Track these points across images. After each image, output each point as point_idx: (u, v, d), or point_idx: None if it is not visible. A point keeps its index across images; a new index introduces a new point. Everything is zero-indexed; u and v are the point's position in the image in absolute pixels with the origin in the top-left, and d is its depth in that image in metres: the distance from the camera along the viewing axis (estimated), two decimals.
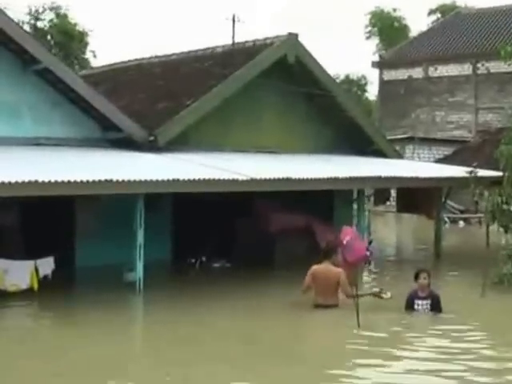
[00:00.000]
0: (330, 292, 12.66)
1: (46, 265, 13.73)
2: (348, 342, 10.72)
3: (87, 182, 12.76)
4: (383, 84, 46.37)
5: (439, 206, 19.85)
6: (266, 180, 14.68)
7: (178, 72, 20.12)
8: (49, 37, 40.30)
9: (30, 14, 40.39)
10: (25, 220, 16.36)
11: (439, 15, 59.53)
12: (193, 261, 17.43)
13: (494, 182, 17.16)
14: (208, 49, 20.82)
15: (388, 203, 22.00)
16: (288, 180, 14.97)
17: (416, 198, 19.77)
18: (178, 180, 13.53)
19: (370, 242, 20.05)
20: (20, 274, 13.25)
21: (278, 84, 18.72)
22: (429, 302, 12.54)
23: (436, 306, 12.53)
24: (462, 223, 31.90)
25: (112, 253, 15.24)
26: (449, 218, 31.55)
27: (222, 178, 14.12)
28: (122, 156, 15.87)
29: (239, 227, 18.00)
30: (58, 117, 16.29)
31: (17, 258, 14.04)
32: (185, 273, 16.81)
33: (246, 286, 14.82)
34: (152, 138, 16.50)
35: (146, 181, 13.40)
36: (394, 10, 63.44)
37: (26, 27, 39.99)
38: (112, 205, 15.45)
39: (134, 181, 13.28)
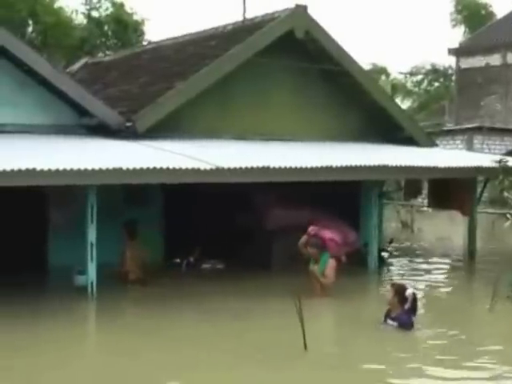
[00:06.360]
0: None
1: None
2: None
3: (19, 171, 11.15)
4: (460, 72, 43.62)
5: (473, 200, 17.30)
6: (237, 169, 12.64)
7: (184, 53, 18.26)
8: (106, 27, 39.21)
9: (85, 3, 39.33)
10: None
11: None
12: (178, 261, 15.56)
13: None
14: (219, 27, 18.88)
15: (420, 197, 19.51)
16: (265, 169, 12.92)
17: (448, 191, 17.29)
18: (121, 169, 11.67)
19: (390, 241, 17.93)
20: None
21: (288, 63, 16.60)
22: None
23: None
24: None
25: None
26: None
27: (180, 167, 12.17)
28: (87, 144, 14.10)
29: (236, 224, 15.95)
30: (27, 101, 14.69)
31: None
32: (166, 274, 14.92)
33: (226, 290, 13.30)
34: (129, 124, 14.72)
35: (93, 170, 11.65)
36: None
37: (81, 16, 39.09)
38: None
39: (76, 170, 11.56)
